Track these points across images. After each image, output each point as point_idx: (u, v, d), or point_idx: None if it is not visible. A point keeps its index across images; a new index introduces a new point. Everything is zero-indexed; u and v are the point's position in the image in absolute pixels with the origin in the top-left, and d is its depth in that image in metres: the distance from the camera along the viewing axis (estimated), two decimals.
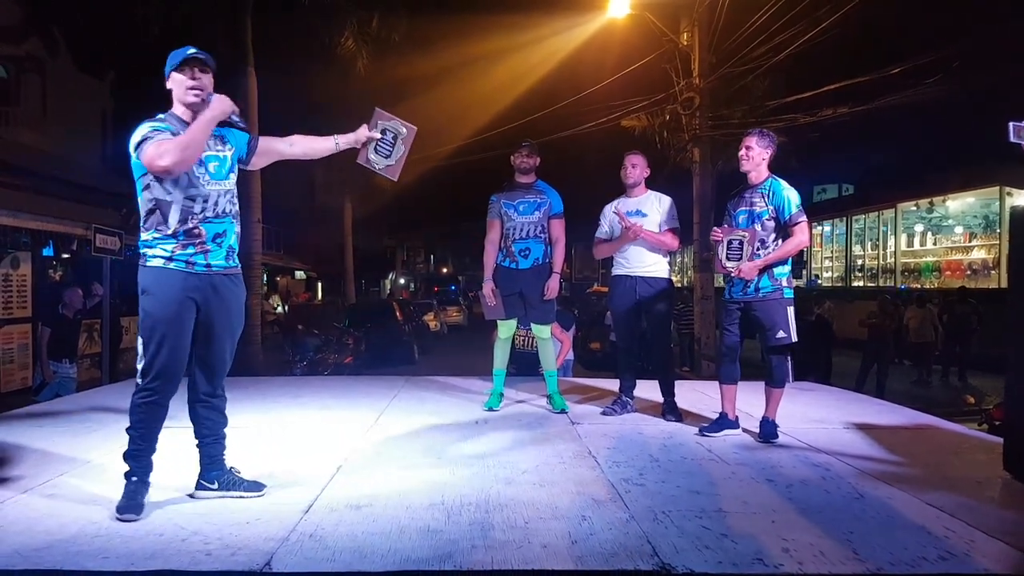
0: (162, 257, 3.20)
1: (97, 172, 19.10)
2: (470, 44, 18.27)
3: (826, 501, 3.43)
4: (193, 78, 3.21)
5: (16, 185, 14.22)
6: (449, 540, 2.86)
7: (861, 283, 21.43)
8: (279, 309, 24.26)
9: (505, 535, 2.92)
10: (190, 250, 3.22)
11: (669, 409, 5.22)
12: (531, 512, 3.20)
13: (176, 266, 3.20)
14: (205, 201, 3.26)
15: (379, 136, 3.66)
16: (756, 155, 4.68)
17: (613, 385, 5.68)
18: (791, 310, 4.62)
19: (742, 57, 13.28)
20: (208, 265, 3.26)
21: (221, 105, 3.24)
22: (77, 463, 3.94)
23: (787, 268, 4.69)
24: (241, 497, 3.31)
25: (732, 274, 4.67)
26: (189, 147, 3.11)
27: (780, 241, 4.62)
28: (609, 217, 5.46)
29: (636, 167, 5.35)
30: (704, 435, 4.64)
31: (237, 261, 3.42)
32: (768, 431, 4.59)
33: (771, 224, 4.63)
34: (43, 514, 3.12)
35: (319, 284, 39.12)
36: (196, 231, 3.23)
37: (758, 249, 4.61)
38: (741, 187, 4.83)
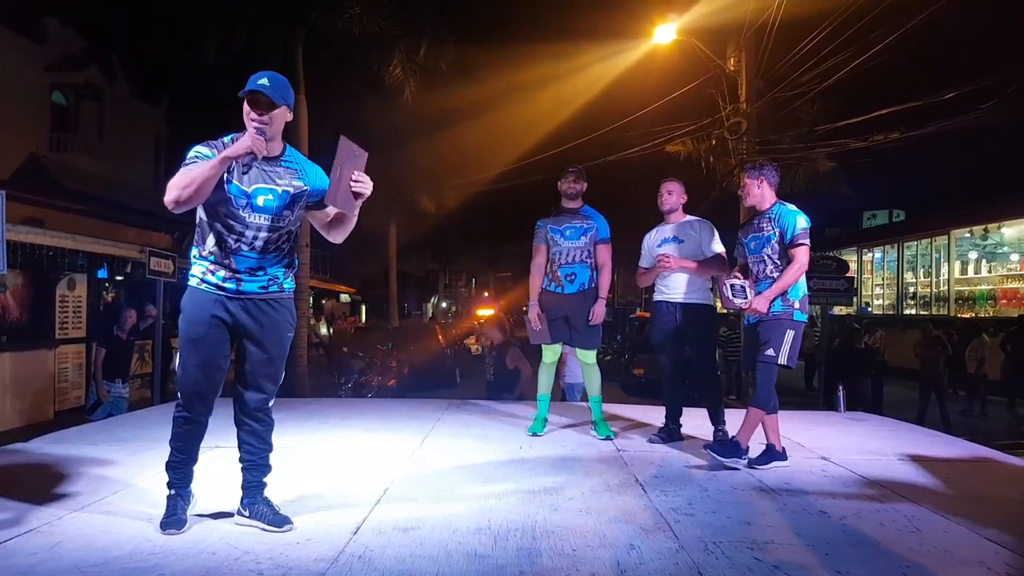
0: (197, 277, 3.21)
1: (151, 196, 19.78)
2: (516, 72, 18.39)
3: (881, 534, 3.34)
4: (255, 110, 3.10)
5: (73, 208, 14.69)
6: (496, 566, 2.85)
7: (913, 311, 20.95)
8: (324, 331, 24.58)
9: (553, 562, 2.90)
10: (220, 274, 3.17)
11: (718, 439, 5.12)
12: (578, 540, 3.18)
13: (207, 288, 3.18)
14: (243, 234, 3.16)
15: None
16: (752, 188, 4.73)
17: (659, 413, 5.61)
18: (792, 333, 4.51)
19: (790, 82, 13.18)
20: (239, 292, 3.19)
21: (238, 145, 3.04)
22: (131, 481, 4.02)
23: (801, 290, 4.61)
24: (265, 530, 3.20)
25: (743, 310, 4.69)
26: (188, 187, 2.96)
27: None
28: (647, 247, 5.48)
29: (672, 194, 5.36)
30: (754, 467, 4.52)
31: (281, 287, 3.30)
32: (728, 452, 4.52)
33: (779, 247, 4.60)
34: (99, 530, 3.19)
35: (363, 307, 39.54)
36: (227, 260, 3.16)
37: (772, 271, 4.59)
38: (751, 216, 4.86)
